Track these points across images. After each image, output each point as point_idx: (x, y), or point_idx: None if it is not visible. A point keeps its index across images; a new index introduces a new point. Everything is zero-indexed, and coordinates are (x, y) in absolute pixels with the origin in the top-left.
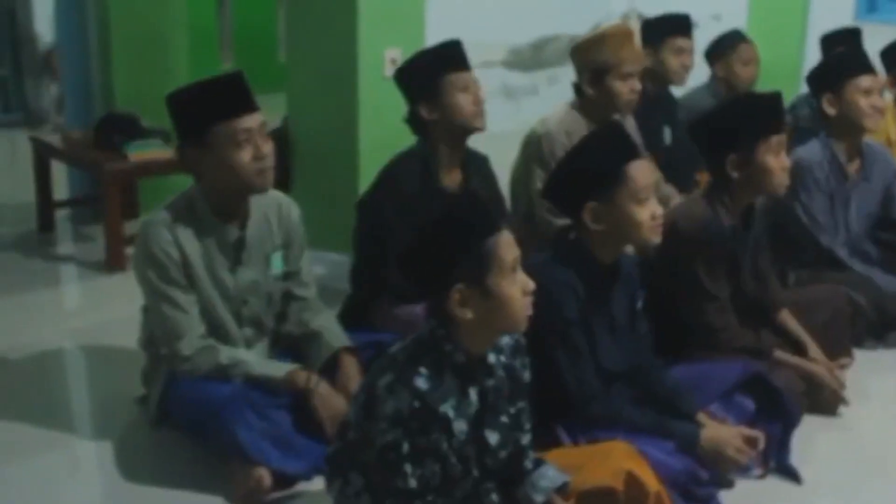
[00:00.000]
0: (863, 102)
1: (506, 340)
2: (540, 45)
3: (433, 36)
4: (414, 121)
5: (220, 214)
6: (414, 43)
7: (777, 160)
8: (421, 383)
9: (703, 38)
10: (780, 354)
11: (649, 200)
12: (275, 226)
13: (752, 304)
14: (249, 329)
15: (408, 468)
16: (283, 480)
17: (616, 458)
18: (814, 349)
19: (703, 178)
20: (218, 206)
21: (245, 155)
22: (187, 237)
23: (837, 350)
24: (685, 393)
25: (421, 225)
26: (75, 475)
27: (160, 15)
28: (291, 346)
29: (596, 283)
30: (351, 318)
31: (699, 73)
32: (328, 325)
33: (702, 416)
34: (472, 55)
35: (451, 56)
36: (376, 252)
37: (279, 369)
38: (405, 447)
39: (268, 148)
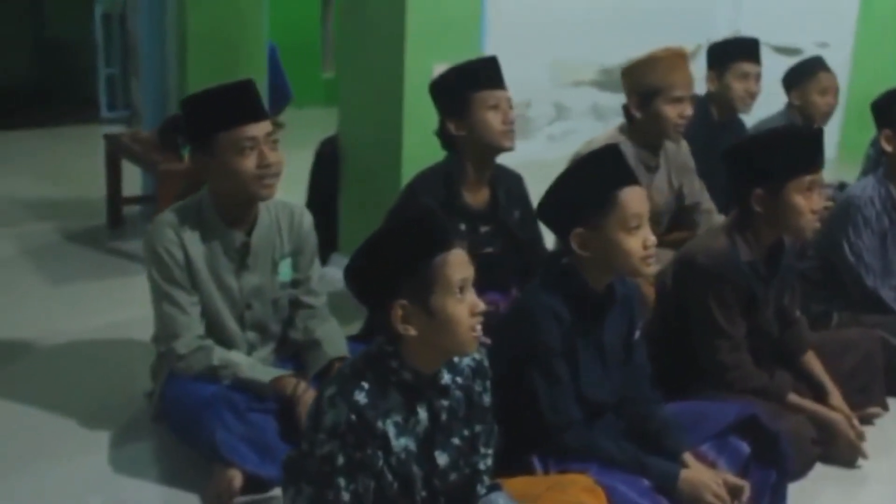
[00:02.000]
0: None
1: (466, 361)
2: None
3: (492, 51)
4: (443, 136)
5: (227, 219)
6: (467, 58)
7: (807, 201)
8: (360, 397)
9: None
10: (795, 399)
11: (641, 229)
12: (285, 233)
13: (775, 345)
14: (253, 333)
15: (341, 481)
16: (259, 484)
17: (573, 493)
18: (834, 396)
19: None
20: (225, 210)
21: (249, 162)
22: (192, 239)
23: (866, 399)
24: (675, 430)
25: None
26: (63, 460)
27: (237, 26)
28: (296, 352)
29: (585, 309)
30: (371, 329)
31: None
32: (330, 335)
33: (688, 457)
34: (562, 75)
35: (483, 73)
36: None
37: (267, 374)
38: (340, 460)
39: (274, 157)
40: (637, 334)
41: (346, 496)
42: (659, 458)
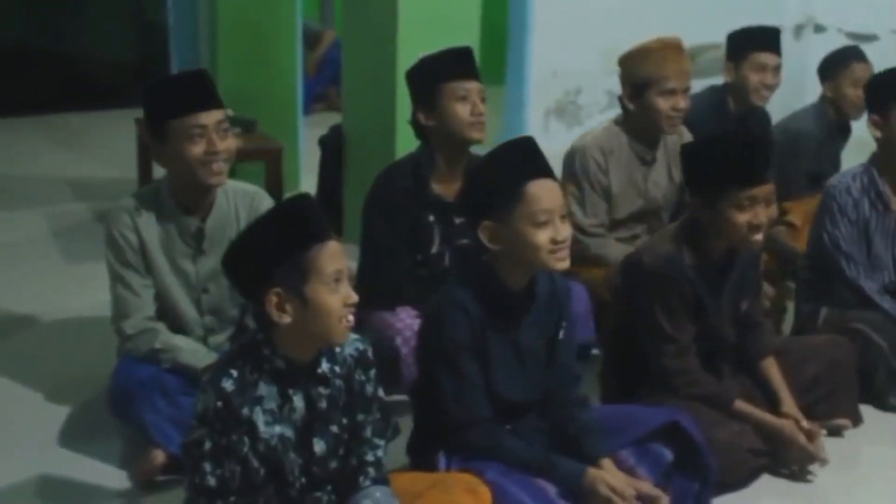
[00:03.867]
0: None
1: (348, 351)
2: (694, 53)
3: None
4: (415, 125)
5: (183, 205)
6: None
7: (744, 215)
8: (227, 384)
9: (881, 52)
10: (741, 406)
11: (550, 224)
12: (242, 219)
13: (732, 350)
14: (210, 317)
15: (207, 466)
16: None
17: (456, 493)
18: (786, 403)
19: (793, 207)
20: (181, 196)
21: (197, 149)
22: (148, 224)
23: (832, 408)
24: (595, 434)
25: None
26: (17, 430)
27: (267, 15)
28: None
29: (500, 307)
30: None
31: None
32: None
33: (607, 462)
34: (615, 62)
35: (453, 63)
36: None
37: (203, 360)
38: (207, 445)
39: (223, 145)
40: (562, 334)
41: (211, 480)
42: (570, 459)
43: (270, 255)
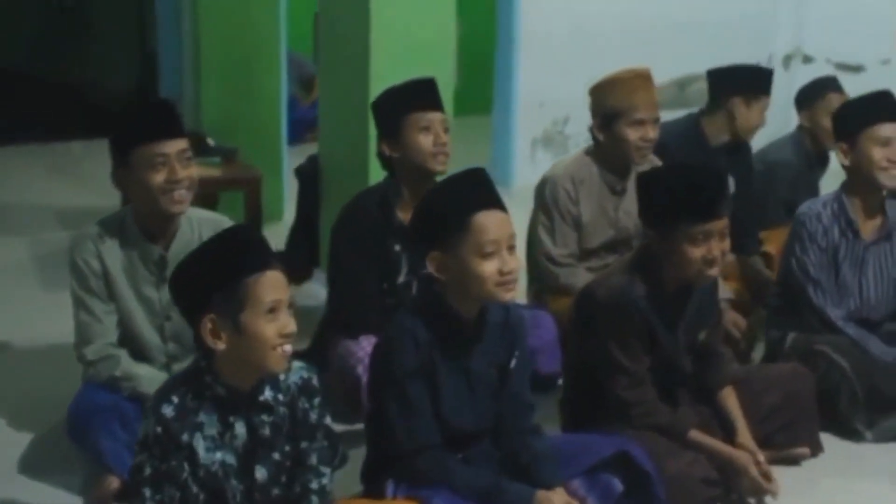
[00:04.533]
0: (878, 154)
1: (293, 379)
2: (684, 84)
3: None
4: (380, 156)
5: (147, 232)
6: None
7: (698, 249)
8: (167, 410)
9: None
10: (696, 436)
11: (497, 255)
12: None
13: (689, 381)
14: (173, 345)
15: (147, 492)
16: None
17: None
18: (742, 434)
19: (769, 236)
20: (144, 224)
21: (158, 177)
22: (112, 251)
23: (791, 438)
24: (547, 462)
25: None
26: None
27: (251, 44)
28: None
29: (450, 335)
30: (318, 346)
31: None
32: None
33: (558, 490)
34: None
35: (416, 94)
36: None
37: None
38: (147, 471)
39: (184, 173)
40: (514, 363)
41: None
42: (520, 484)
43: (207, 281)
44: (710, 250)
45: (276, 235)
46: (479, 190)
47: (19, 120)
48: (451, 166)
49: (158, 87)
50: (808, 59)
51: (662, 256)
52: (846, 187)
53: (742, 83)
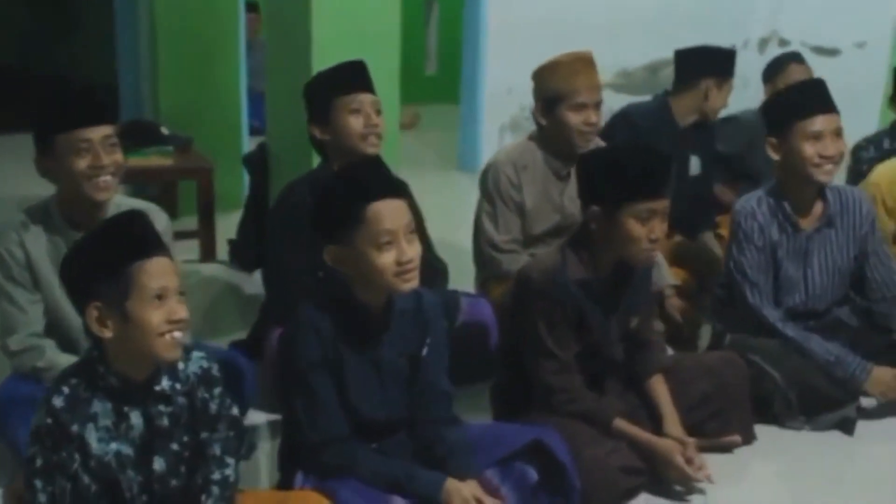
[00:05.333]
0: (809, 150)
1: (192, 368)
2: (655, 68)
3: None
4: (312, 140)
5: (72, 221)
6: (388, 58)
7: (644, 228)
8: (58, 402)
9: (844, 66)
10: (620, 424)
11: (395, 244)
12: None
13: (620, 368)
14: None
15: (38, 483)
16: None
17: None
18: (669, 422)
19: (724, 221)
20: (69, 212)
21: (82, 163)
22: (37, 240)
23: (722, 426)
24: (462, 452)
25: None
26: None
27: (209, 28)
28: None
29: (357, 325)
30: (256, 335)
31: None
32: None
33: (472, 482)
34: None
35: (346, 77)
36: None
37: None
38: (38, 462)
39: (109, 159)
40: (426, 351)
41: (42, 497)
42: (432, 472)
43: (91, 269)
44: (653, 230)
45: (234, 225)
46: (372, 180)
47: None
48: (423, 155)
49: (118, 77)
50: (784, 43)
51: (602, 237)
52: (781, 181)
53: (715, 65)
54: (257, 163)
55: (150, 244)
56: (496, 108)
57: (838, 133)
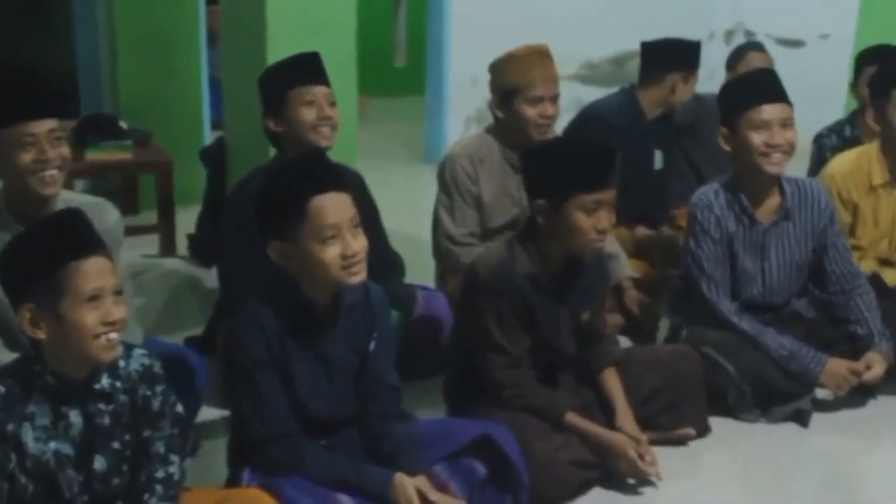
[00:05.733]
0: (757, 139)
1: (133, 366)
2: (621, 60)
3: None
4: (266, 133)
5: (18, 216)
6: (344, 49)
7: (590, 219)
8: None
9: (808, 57)
10: (572, 418)
11: (339, 238)
12: None
13: (573, 362)
14: None
15: None
16: None
17: None
18: (621, 416)
19: (680, 213)
20: (15, 207)
21: (26, 157)
22: None
23: (675, 420)
24: (411, 448)
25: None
26: None
27: (170, 21)
28: None
29: (303, 321)
30: (210, 333)
31: None
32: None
33: (419, 477)
34: None
35: (300, 68)
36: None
37: None
38: None
39: (54, 153)
40: (373, 346)
41: None
42: (379, 468)
43: (23, 270)
44: (600, 221)
45: (195, 219)
46: (314, 174)
47: None
48: (391, 148)
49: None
50: (749, 35)
51: (549, 230)
52: (737, 173)
53: (681, 59)
54: (214, 156)
55: (84, 245)
56: (462, 99)
57: (786, 123)
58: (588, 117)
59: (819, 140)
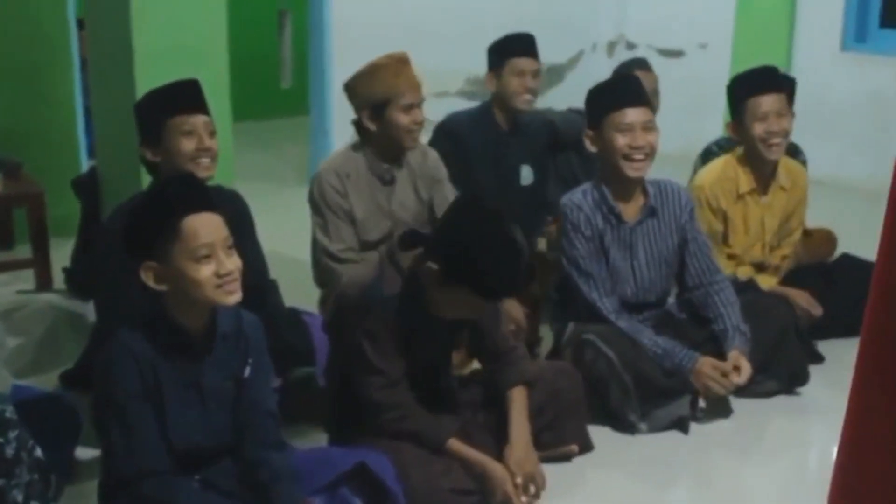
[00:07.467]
0: (620, 141)
1: None
2: None
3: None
4: (143, 161)
5: None
6: (216, 73)
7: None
8: None
9: (689, 66)
10: (454, 445)
11: (213, 257)
12: None
13: (454, 382)
14: None
15: None
16: None
17: None
18: (513, 445)
19: (554, 225)
20: None
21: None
22: None
23: (558, 437)
24: (287, 479)
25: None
26: None
27: (37, 48)
28: None
29: (176, 349)
30: (83, 367)
31: None
32: None
33: None
34: (425, 85)
35: (178, 97)
36: None
37: None
38: None
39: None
40: (248, 372)
41: None
42: None
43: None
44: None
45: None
46: (186, 194)
47: None
48: (279, 170)
49: None
50: (631, 46)
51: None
52: (603, 174)
53: (501, 52)
54: (88, 186)
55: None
56: (346, 118)
57: (648, 126)
58: (442, 133)
59: (706, 155)
